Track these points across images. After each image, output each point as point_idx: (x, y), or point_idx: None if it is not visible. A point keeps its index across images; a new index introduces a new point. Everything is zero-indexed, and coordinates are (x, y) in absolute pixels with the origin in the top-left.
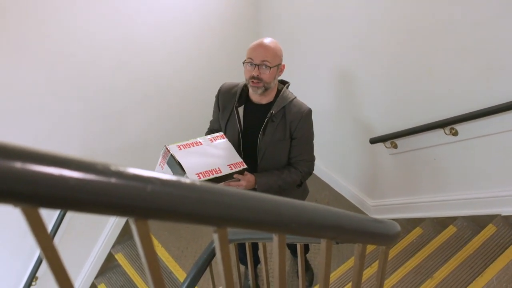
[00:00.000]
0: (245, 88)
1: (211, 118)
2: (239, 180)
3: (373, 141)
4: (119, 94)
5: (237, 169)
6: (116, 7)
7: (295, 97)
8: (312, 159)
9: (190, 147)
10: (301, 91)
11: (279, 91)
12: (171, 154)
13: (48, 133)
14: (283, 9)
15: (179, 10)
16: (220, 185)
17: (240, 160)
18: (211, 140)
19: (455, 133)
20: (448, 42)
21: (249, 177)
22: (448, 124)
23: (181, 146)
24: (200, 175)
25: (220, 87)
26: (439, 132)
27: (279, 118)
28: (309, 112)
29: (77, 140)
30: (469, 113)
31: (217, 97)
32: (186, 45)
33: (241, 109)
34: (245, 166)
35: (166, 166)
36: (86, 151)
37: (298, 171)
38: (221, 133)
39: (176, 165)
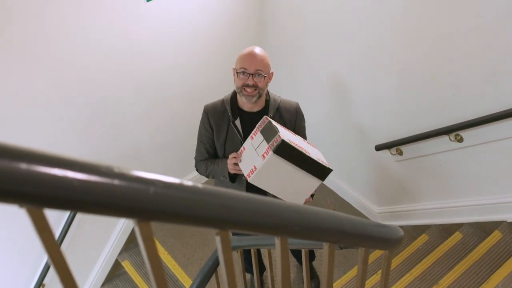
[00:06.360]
0: (233, 101)
1: None
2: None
3: (378, 147)
4: (125, 100)
5: (324, 163)
6: (121, 15)
7: (280, 97)
8: None
9: (288, 130)
10: (305, 98)
11: (266, 96)
12: (270, 121)
13: (54, 139)
14: (288, 18)
15: (185, 19)
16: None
17: (327, 164)
18: (305, 140)
19: (460, 140)
20: (453, 48)
21: None
22: (453, 130)
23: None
24: (291, 143)
25: (206, 109)
26: (444, 138)
27: (277, 119)
28: (298, 105)
29: (83, 146)
30: (474, 119)
31: (207, 119)
32: (192, 54)
33: (237, 122)
34: (332, 169)
35: (259, 133)
36: (91, 156)
37: None
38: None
39: (271, 130)
